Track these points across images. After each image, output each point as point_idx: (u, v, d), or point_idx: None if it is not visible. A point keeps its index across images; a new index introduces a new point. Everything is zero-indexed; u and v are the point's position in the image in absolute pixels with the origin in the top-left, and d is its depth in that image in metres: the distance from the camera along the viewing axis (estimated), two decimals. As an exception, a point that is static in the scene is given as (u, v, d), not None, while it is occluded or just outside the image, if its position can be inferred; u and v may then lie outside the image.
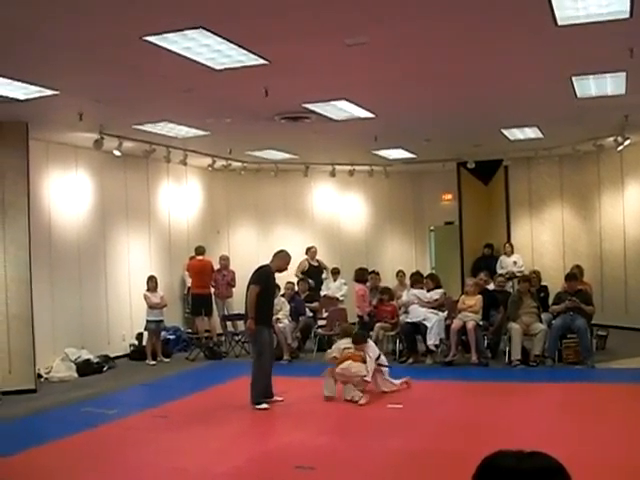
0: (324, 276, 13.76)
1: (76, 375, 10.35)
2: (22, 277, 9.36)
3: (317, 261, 13.95)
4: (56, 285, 10.70)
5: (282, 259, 8.65)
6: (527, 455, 1.71)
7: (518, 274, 13.01)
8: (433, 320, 10.74)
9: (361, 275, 11.81)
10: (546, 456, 1.71)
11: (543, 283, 12.06)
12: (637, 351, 10.69)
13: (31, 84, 7.29)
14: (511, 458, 1.69)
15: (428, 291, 11.29)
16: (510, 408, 7.60)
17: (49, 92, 7.57)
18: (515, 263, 13.98)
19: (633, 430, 6.57)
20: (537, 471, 1.66)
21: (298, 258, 14.05)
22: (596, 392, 8.53)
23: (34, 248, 9.58)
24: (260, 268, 8.50)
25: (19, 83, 7.22)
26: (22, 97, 7.73)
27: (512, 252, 14.22)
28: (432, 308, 11.05)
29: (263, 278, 8.37)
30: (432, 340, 10.67)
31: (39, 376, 9.88)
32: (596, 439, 6.36)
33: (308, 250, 13.94)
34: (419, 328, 10.84)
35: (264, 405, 8.09)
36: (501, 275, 12.62)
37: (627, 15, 5.72)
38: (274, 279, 8.75)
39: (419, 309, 11.01)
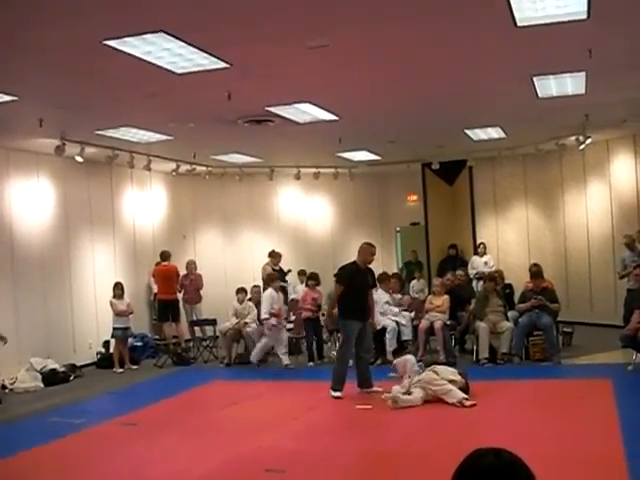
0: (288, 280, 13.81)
1: (42, 385, 10.16)
2: (-16, 287, 9.21)
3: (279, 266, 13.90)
4: (19, 294, 10.52)
5: (363, 252, 8.92)
6: (499, 450, 1.72)
7: None
8: (391, 326, 10.75)
9: (312, 278, 11.87)
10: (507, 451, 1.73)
11: (508, 281, 12.20)
12: (602, 347, 10.82)
13: (-12, 90, 7.17)
14: (491, 456, 1.71)
15: (392, 293, 11.36)
16: (479, 406, 7.64)
17: (7, 98, 7.44)
18: (486, 264, 14.09)
19: (599, 424, 6.65)
20: (512, 463, 1.69)
21: (264, 262, 14.01)
22: (563, 388, 8.63)
23: (-5, 257, 9.42)
24: (342, 267, 8.91)
25: (-24, 89, 7.10)
26: (-21, 103, 7.59)
27: (485, 252, 14.35)
28: (398, 308, 11.11)
29: (344, 276, 8.75)
30: (391, 347, 10.66)
31: (3, 387, 9.71)
32: (564, 434, 6.43)
33: (270, 255, 13.83)
34: (386, 330, 10.86)
35: (338, 394, 8.37)
36: (466, 274, 12.71)
37: (585, 16, 5.80)
38: (361, 274, 8.78)
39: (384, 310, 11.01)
